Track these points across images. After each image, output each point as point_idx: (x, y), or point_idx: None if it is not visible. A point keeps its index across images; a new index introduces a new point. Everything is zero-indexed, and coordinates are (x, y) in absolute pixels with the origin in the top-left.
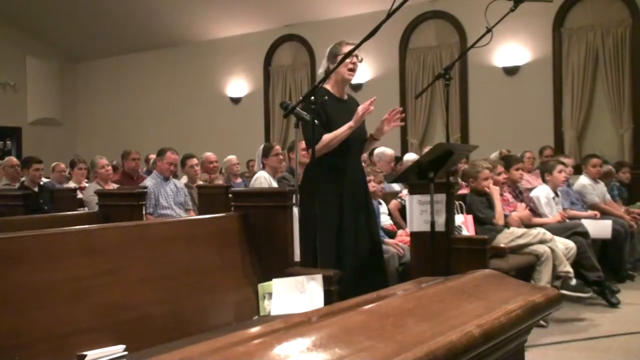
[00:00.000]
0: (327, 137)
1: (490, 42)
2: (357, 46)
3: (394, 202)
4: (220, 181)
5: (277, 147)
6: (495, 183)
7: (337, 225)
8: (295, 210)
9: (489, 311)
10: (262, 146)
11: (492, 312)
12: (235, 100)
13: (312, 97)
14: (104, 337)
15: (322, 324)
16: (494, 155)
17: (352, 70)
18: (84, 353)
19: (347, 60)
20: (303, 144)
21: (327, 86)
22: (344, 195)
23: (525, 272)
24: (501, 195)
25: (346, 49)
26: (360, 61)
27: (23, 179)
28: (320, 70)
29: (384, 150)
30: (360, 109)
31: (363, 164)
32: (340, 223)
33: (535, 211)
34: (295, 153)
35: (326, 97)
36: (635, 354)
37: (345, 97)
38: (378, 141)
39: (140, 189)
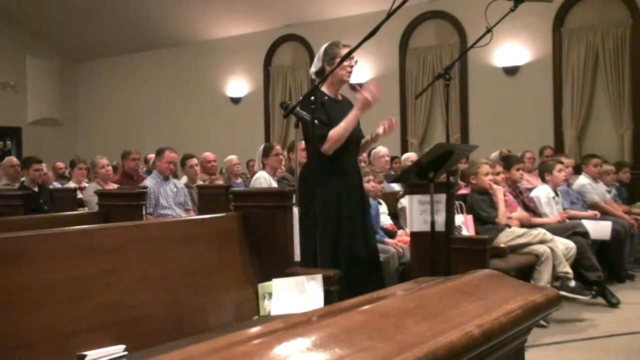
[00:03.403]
0: (335, 132)
1: (490, 42)
2: (357, 46)
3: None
4: (220, 181)
5: (277, 147)
6: (495, 183)
7: (334, 227)
8: (295, 210)
9: (489, 311)
10: (262, 146)
11: (492, 312)
12: (235, 100)
13: (312, 97)
14: (104, 337)
15: (322, 324)
16: (494, 155)
17: (350, 72)
18: (84, 353)
19: (346, 63)
20: (303, 144)
21: (323, 88)
22: (342, 196)
23: (525, 272)
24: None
25: (343, 50)
26: (356, 63)
27: (23, 179)
28: (312, 70)
29: (378, 149)
30: (367, 95)
31: (362, 164)
32: (337, 225)
33: (535, 211)
34: (295, 153)
35: (326, 97)
36: (635, 354)
37: (340, 97)
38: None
39: (140, 189)
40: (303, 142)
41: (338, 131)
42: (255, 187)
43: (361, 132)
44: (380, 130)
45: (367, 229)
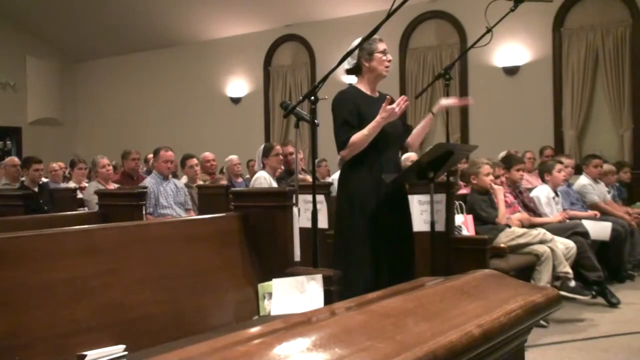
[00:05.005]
0: (356, 138)
1: (490, 42)
2: (357, 46)
3: None
4: (224, 181)
5: (278, 147)
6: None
7: (375, 227)
8: (295, 210)
9: (489, 311)
10: (262, 146)
11: (492, 312)
12: (235, 100)
13: (312, 97)
14: (104, 337)
15: (322, 324)
16: (502, 155)
17: (387, 67)
18: (84, 353)
19: (384, 58)
20: (290, 148)
21: (360, 85)
22: (381, 196)
23: (525, 272)
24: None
25: (380, 44)
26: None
27: (23, 179)
28: (346, 67)
29: None
30: (395, 107)
31: None
32: (378, 225)
33: (535, 211)
34: (295, 153)
35: (362, 95)
36: (635, 354)
37: (377, 94)
38: (435, 117)
39: (140, 189)
40: (289, 147)
41: (360, 138)
42: (256, 187)
43: (402, 127)
44: (448, 102)
45: (407, 228)
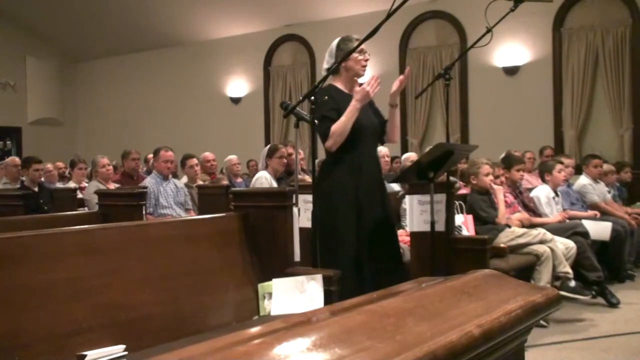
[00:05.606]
0: (337, 126)
1: (490, 42)
2: (357, 46)
3: None
4: (225, 181)
5: (283, 150)
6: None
7: (355, 224)
8: (295, 210)
9: (489, 311)
10: (267, 147)
11: (492, 312)
12: (235, 100)
13: (312, 97)
14: (104, 337)
15: (322, 324)
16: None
17: (365, 66)
18: (84, 353)
19: (360, 57)
20: (290, 150)
21: (337, 83)
22: (360, 190)
23: (525, 272)
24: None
25: (356, 43)
26: (369, 56)
27: (23, 178)
28: (325, 66)
29: (378, 149)
30: (366, 87)
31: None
32: (358, 219)
33: (535, 211)
34: (295, 153)
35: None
36: (635, 354)
37: None
38: (398, 107)
39: (140, 189)
40: (290, 147)
41: (339, 125)
42: (256, 187)
43: (379, 122)
44: (394, 87)
45: (388, 223)
